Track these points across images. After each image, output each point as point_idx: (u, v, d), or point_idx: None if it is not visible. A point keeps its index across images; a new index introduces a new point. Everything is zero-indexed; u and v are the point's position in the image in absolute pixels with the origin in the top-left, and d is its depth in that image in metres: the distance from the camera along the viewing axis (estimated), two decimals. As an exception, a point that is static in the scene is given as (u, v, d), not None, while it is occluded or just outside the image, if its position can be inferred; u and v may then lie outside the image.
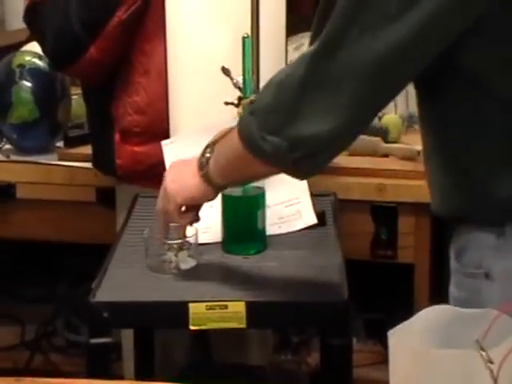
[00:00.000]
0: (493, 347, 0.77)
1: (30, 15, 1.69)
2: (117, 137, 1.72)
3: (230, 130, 1.16)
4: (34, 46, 1.96)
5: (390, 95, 1.06)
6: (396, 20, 0.98)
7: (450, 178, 1.09)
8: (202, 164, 1.18)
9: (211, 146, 1.18)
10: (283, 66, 1.63)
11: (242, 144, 1.10)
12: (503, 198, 1.05)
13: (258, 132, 1.07)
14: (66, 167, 2.03)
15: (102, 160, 1.78)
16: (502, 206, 1.06)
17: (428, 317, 0.88)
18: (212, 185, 1.19)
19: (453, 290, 1.14)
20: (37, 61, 2.05)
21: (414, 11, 0.97)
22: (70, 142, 2.08)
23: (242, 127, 1.10)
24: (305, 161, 1.07)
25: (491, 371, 0.75)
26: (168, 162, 1.41)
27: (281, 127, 1.06)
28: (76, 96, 2.05)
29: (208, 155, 1.17)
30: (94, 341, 1.25)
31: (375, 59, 0.99)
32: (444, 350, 0.81)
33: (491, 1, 1.00)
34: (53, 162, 2.05)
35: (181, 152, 1.32)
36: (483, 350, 0.75)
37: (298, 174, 1.12)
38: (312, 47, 1.04)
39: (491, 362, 0.75)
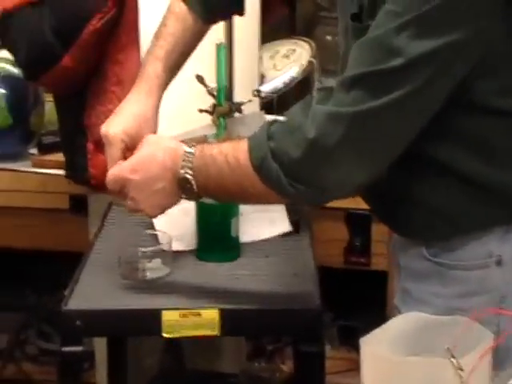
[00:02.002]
0: (463, 354, 0.78)
1: (2, 26, 1.68)
2: (90, 146, 1.71)
3: (210, 155, 1.13)
4: (8, 53, 1.95)
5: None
6: (421, 87, 1.03)
7: (462, 197, 1.13)
8: (188, 194, 1.15)
9: (194, 176, 1.13)
10: (256, 73, 1.64)
11: (265, 184, 1.09)
12: None
13: (284, 178, 1.08)
14: (40, 174, 2.02)
15: (75, 170, 1.77)
16: None
17: (400, 324, 0.89)
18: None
19: (437, 290, 1.16)
20: (10, 68, 2.04)
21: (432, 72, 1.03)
22: (44, 149, 2.07)
23: (265, 171, 1.08)
24: (332, 200, 1.14)
25: (461, 378, 0.75)
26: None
27: (311, 180, 1.08)
28: (50, 102, 2.04)
29: (194, 190, 1.14)
30: (66, 349, 1.24)
31: (412, 119, 1.06)
32: (415, 357, 0.82)
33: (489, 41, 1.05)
34: (26, 169, 2.04)
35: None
36: (454, 358, 0.75)
37: (320, 206, 1.18)
38: (349, 107, 1.05)
39: (461, 369, 0.75)
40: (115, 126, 1.24)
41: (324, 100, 1.08)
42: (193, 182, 1.14)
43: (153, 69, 1.27)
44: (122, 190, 1.20)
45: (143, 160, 1.19)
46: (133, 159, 1.20)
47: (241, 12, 1.39)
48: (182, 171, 1.14)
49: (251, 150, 1.10)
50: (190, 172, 1.13)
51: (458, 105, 1.09)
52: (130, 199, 1.20)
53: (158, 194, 1.17)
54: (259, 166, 1.09)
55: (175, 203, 1.20)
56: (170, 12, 1.30)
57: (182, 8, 1.30)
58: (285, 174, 1.08)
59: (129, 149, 1.23)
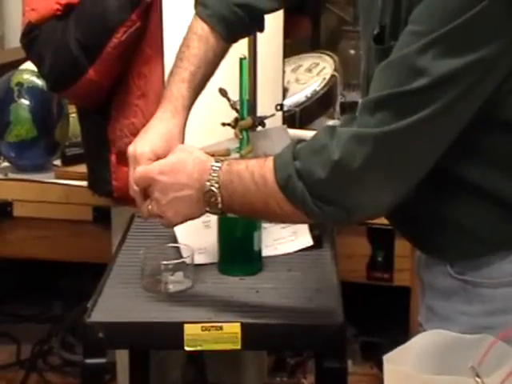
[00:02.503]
0: (488, 374, 0.77)
1: (27, 38, 1.69)
2: (113, 159, 1.72)
3: (236, 171, 1.13)
4: (33, 65, 1.97)
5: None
6: (447, 109, 1.02)
7: (491, 216, 1.13)
8: (212, 207, 1.16)
9: (219, 190, 1.13)
10: (280, 87, 1.64)
11: (291, 204, 1.10)
12: None
13: (310, 198, 1.08)
14: (63, 186, 2.03)
15: (98, 182, 1.78)
16: None
17: (423, 342, 0.88)
18: None
19: (462, 308, 1.15)
20: (35, 79, 2.05)
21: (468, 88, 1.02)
22: (68, 161, 2.09)
23: (291, 190, 1.09)
24: (358, 221, 1.14)
25: (486, 398, 0.74)
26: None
27: (337, 201, 1.08)
28: (74, 114, 2.05)
29: (219, 205, 1.14)
30: (88, 361, 1.25)
31: (437, 139, 1.05)
32: (439, 376, 0.81)
33: None
34: (50, 181, 2.05)
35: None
36: (478, 377, 0.75)
37: (345, 226, 1.18)
38: (374, 128, 1.04)
39: (486, 389, 0.74)
40: (143, 145, 1.25)
41: (349, 122, 1.08)
42: (218, 197, 1.14)
43: (177, 89, 1.28)
44: (146, 190, 1.20)
45: (173, 165, 1.19)
46: (162, 162, 1.20)
47: (261, 29, 1.40)
48: (208, 184, 1.14)
49: (277, 169, 1.10)
50: (216, 186, 1.14)
51: (486, 122, 1.08)
52: (153, 200, 1.19)
53: (183, 201, 1.17)
54: (285, 186, 1.09)
55: (198, 216, 1.20)
56: (193, 33, 1.31)
57: (205, 29, 1.31)
58: (310, 193, 1.08)
59: None
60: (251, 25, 1.36)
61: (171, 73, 1.31)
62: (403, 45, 1.04)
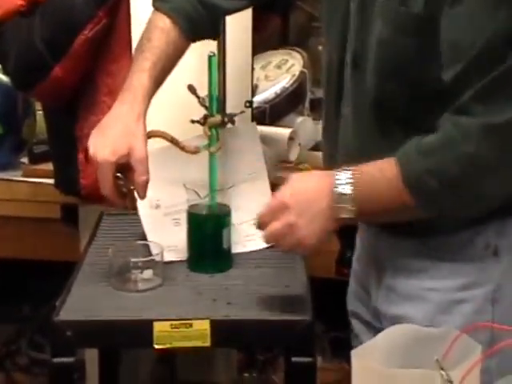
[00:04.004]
0: (452, 367, 0.78)
1: None
2: (81, 157, 1.70)
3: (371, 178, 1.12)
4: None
5: None
6: None
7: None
8: (341, 215, 1.16)
9: (351, 197, 1.13)
10: (249, 83, 1.64)
11: (417, 201, 1.10)
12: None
13: (443, 194, 1.09)
14: (31, 183, 2.01)
15: (66, 180, 1.76)
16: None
17: (391, 336, 0.89)
18: None
19: (432, 284, 1.17)
20: (0, 76, 2.03)
21: None
22: (35, 158, 2.07)
23: (421, 191, 1.09)
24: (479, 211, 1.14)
25: (451, 391, 0.75)
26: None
27: (470, 192, 1.09)
28: (41, 111, 2.03)
29: (351, 208, 1.15)
30: (57, 360, 1.24)
31: None
32: (404, 369, 0.82)
33: None
34: (17, 178, 2.03)
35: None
36: (443, 370, 0.76)
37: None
38: (500, 116, 1.04)
39: (451, 382, 0.75)
40: (103, 149, 1.24)
41: (467, 110, 1.06)
42: (351, 208, 1.14)
43: (137, 79, 1.27)
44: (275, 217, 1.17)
45: (298, 186, 1.17)
46: (286, 190, 1.17)
47: (217, 35, 1.41)
48: (338, 183, 1.13)
49: (403, 170, 1.09)
50: (349, 187, 1.13)
51: None
52: (287, 226, 1.16)
53: (316, 212, 1.16)
54: (414, 186, 1.09)
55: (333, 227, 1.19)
56: (154, 26, 1.31)
57: (166, 23, 1.30)
58: (444, 189, 1.08)
59: (122, 166, 1.24)
60: (210, 26, 1.36)
61: (133, 65, 1.30)
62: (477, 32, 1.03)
